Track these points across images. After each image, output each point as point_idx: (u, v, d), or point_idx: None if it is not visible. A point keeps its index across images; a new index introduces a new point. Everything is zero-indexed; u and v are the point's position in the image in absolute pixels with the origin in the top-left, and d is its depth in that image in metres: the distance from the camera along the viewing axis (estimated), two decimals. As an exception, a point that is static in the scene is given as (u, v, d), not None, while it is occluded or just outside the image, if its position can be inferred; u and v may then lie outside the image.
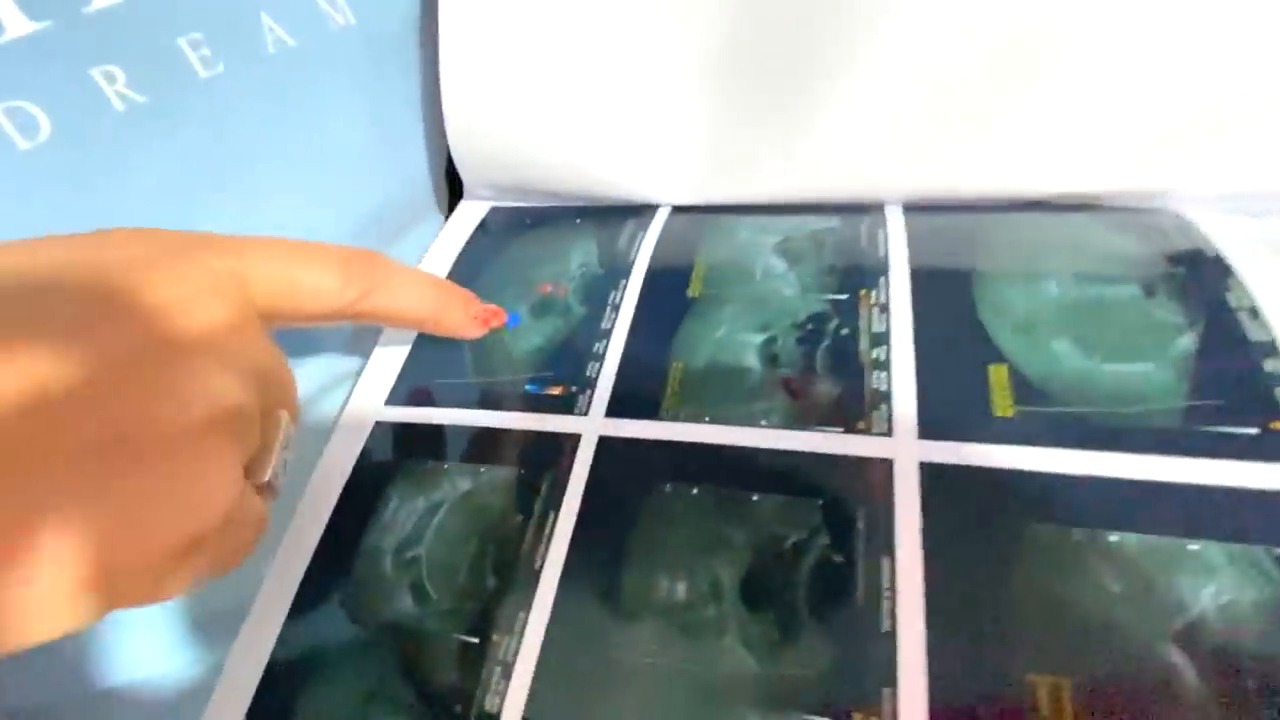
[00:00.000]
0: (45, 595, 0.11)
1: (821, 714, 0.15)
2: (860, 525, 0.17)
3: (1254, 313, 0.18)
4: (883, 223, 0.24)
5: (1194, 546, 0.15)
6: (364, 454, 0.22)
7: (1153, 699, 0.14)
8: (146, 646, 0.25)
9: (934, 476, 0.17)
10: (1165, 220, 0.22)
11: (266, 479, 0.16)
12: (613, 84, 0.25)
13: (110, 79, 0.19)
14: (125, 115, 0.19)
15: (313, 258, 0.18)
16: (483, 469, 0.21)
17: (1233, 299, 0.19)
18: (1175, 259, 0.20)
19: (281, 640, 0.19)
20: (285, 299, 0.17)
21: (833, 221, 0.25)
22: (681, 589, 0.17)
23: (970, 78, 0.22)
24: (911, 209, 0.25)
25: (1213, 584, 0.14)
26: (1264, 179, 0.21)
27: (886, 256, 0.22)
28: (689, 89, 0.25)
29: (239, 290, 0.16)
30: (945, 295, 0.21)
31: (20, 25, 0.19)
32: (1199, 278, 0.19)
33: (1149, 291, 0.19)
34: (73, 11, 0.19)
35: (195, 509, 0.13)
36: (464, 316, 0.23)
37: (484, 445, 0.21)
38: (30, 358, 0.12)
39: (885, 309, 0.21)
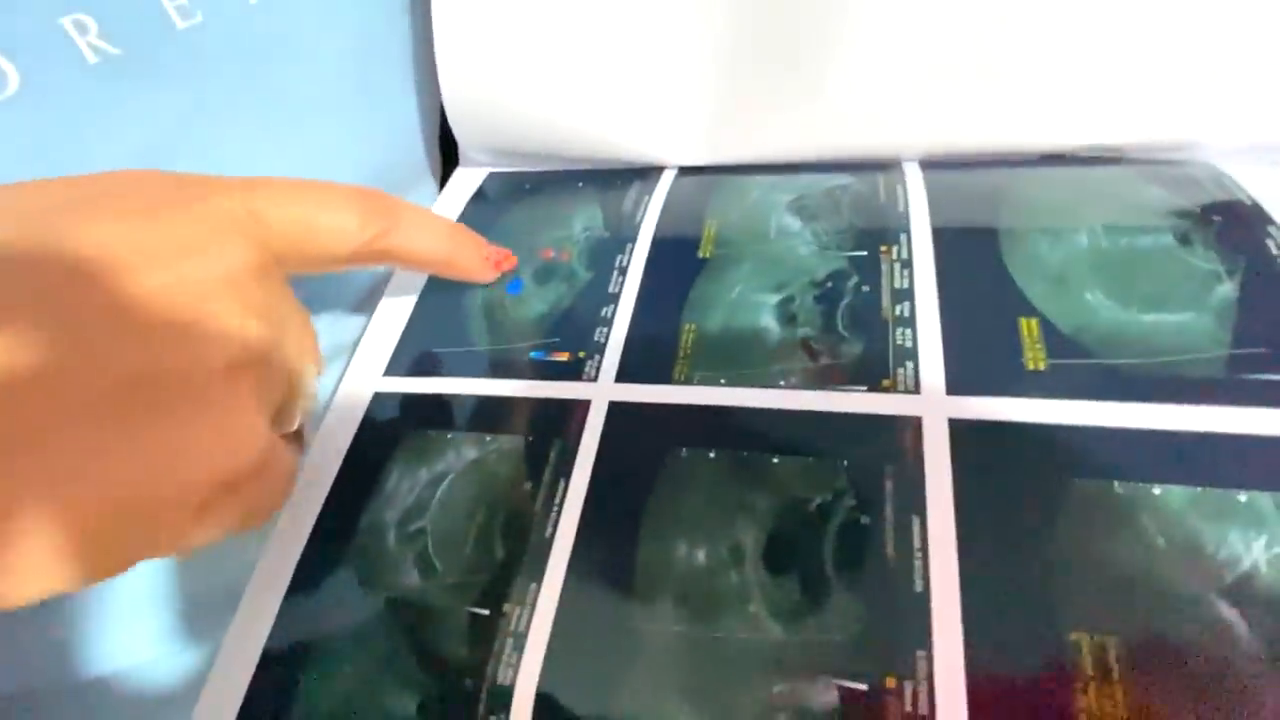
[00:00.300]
0: (62, 542, 0.11)
1: (852, 679, 0.14)
2: (888, 485, 0.16)
3: (1295, 257, 0.17)
4: (901, 179, 0.23)
5: (1242, 497, 0.14)
6: (363, 426, 0.21)
7: (1204, 656, 0.13)
8: (140, 632, 0.24)
9: (964, 433, 0.16)
10: (1197, 170, 0.21)
11: (295, 428, 0.15)
12: (614, 40, 0.24)
13: (82, 29, 0.18)
14: (98, 68, 0.18)
15: (329, 196, 0.17)
16: (488, 438, 0.20)
17: (1273, 245, 0.18)
18: (1210, 208, 0.19)
19: (280, 620, 0.18)
20: (304, 239, 0.16)
21: (848, 179, 0.24)
22: (701, 555, 0.16)
23: (986, 28, 0.21)
24: (930, 165, 0.24)
25: (1264, 535, 0.14)
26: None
27: (907, 212, 0.21)
28: (694, 44, 0.24)
29: (258, 231, 0.15)
30: (970, 249, 0.20)
31: (-15, -28, 0.18)
32: (1237, 225, 0.18)
33: (1184, 240, 0.18)
34: (42, -45, 0.18)
35: (218, 453, 0.12)
36: (478, 258, 0.22)
37: (489, 414, 0.20)
38: (39, 302, 0.11)
39: (908, 265, 0.20)
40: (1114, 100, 0.21)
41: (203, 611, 0.24)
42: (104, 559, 0.12)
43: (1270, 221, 0.18)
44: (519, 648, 0.16)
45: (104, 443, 0.11)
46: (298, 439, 0.16)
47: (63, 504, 0.11)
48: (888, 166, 0.24)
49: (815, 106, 0.24)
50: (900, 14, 0.22)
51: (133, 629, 0.24)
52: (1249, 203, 0.19)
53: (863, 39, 0.22)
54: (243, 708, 0.17)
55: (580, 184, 0.27)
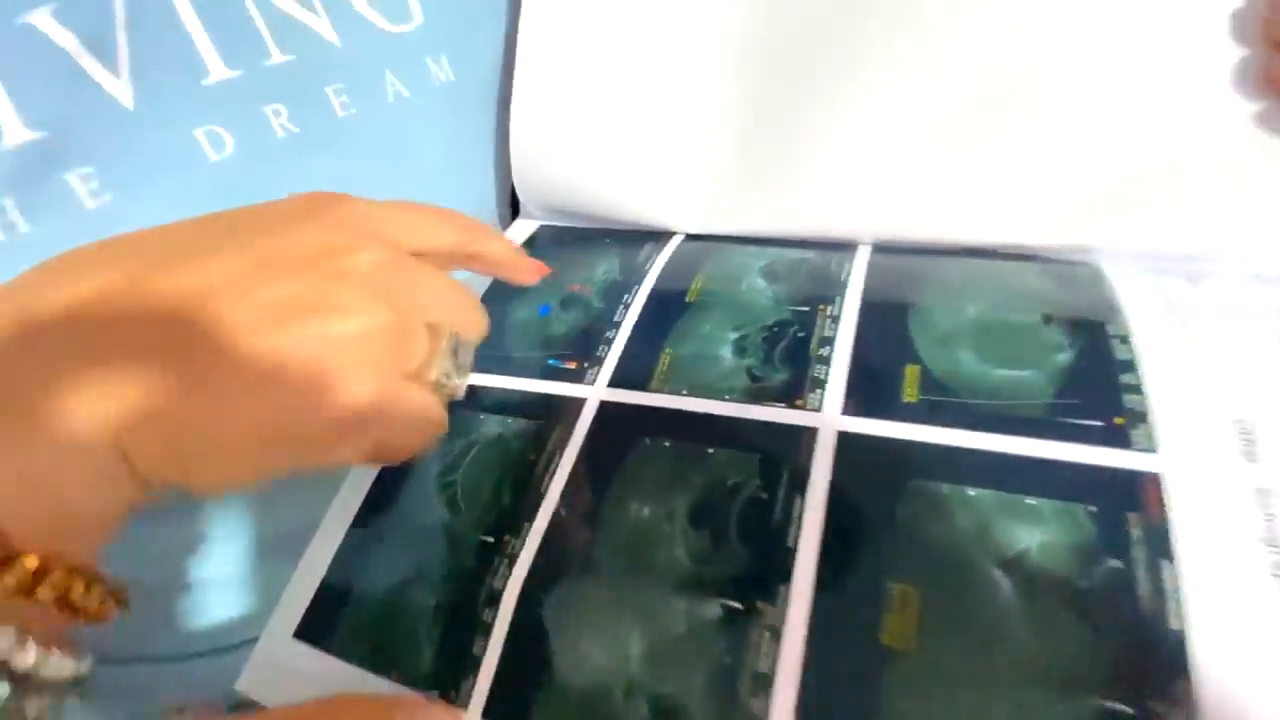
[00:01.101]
0: (250, 449, 0.17)
1: (734, 599, 0.20)
2: (785, 474, 0.22)
3: (1124, 339, 0.23)
4: (850, 257, 0.29)
5: (1032, 502, 0.19)
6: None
7: (978, 604, 0.18)
8: (242, 547, 0.32)
9: (846, 442, 0.22)
10: (1081, 271, 0.26)
11: (432, 379, 0.20)
12: (643, 138, 0.32)
13: (277, 114, 0.27)
14: (285, 141, 0.27)
15: (434, 211, 0.23)
16: (509, 420, 0.27)
17: (1111, 329, 0.23)
18: (1076, 300, 0.25)
19: (344, 543, 0.25)
20: (417, 242, 0.21)
21: (810, 254, 0.30)
22: (647, 511, 0.23)
23: (925, 147, 0.28)
24: (878, 249, 0.30)
25: (1040, 529, 0.19)
26: (1169, 243, 0.26)
27: (846, 281, 0.28)
28: (703, 145, 0.32)
29: (391, 233, 0.20)
30: (885, 313, 0.26)
31: (221, 72, 0.27)
32: (1089, 314, 0.24)
33: (1045, 321, 0.24)
34: (257, 64, 0.27)
35: (341, 397, 0.18)
36: (527, 265, 0.27)
37: (511, 402, 0.27)
38: (226, 270, 0.18)
39: (836, 320, 0.26)
40: (1028, 210, 0.27)
41: (290, 540, 0.32)
42: (272, 464, 0.18)
43: (1117, 312, 0.24)
44: (510, 565, 0.23)
45: (268, 384, 0.17)
46: (441, 387, 0.20)
47: (248, 422, 0.17)
48: (844, 247, 0.30)
49: (792, 196, 0.31)
50: (856, 138, 0.29)
51: (236, 543, 0.31)
52: (1107, 297, 0.24)
53: (828, 154, 0.29)
54: (307, 611, 0.24)
55: (607, 240, 0.34)
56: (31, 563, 0.15)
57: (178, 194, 0.24)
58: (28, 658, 0.15)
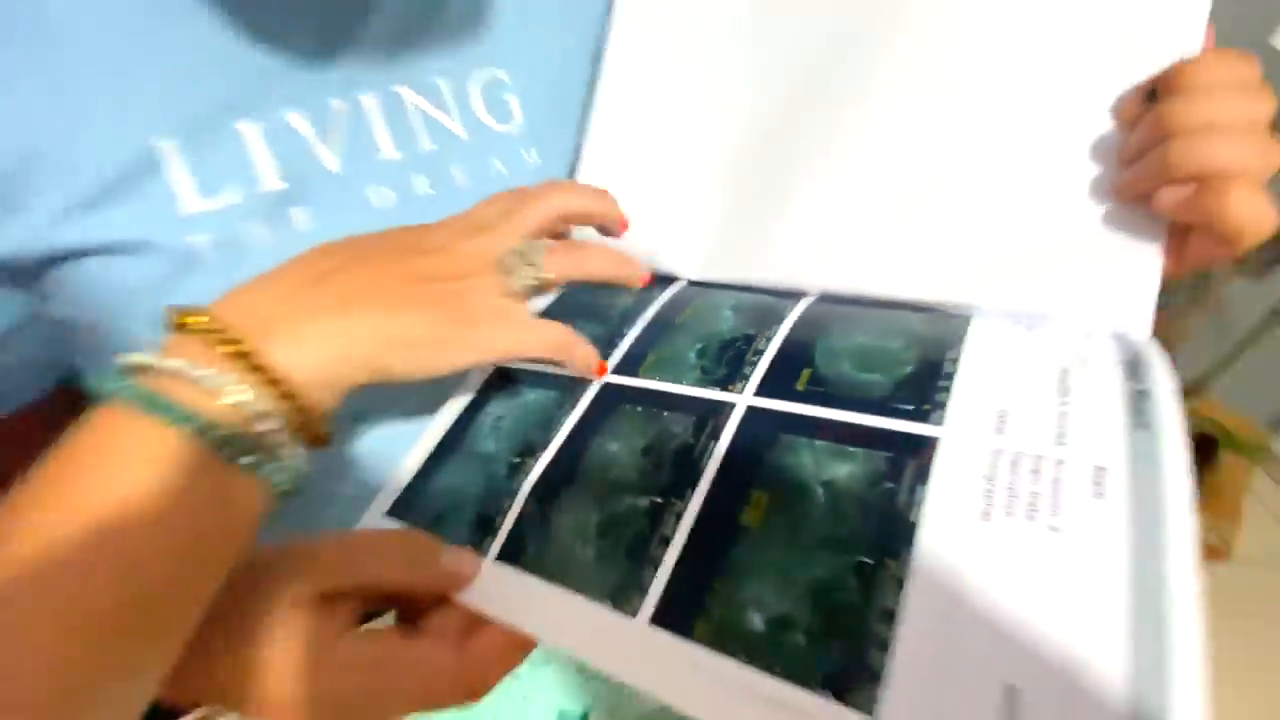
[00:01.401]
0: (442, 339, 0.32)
1: (650, 497, 0.31)
2: (709, 427, 0.33)
3: (954, 361, 0.33)
4: (796, 301, 0.41)
5: (852, 449, 0.30)
6: (492, 373, 0.42)
7: (802, 505, 0.29)
8: (372, 429, 0.45)
9: (751, 412, 0.33)
10: (955, 319, 0.37)
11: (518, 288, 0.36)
12: (664, 212, 0.46)
13: (421, 182, 0.43)
14: (425, 198, 0.43)
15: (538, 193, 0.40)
16: (536, 389, 0.40)
17: (949, 355, 0.33)
18: (938, 335, 0.35)
19: (435, 450, 0.39)
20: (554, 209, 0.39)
21: (769, 298, 0.42)
22: (614, 447, 0.35)
23: (856, 228, 0.40)
24: (821, 298, 0.41)
25: (851, 464, 0.29)
26: (1021, 304, 0.36)
27: (784, 317, 0.39)
28: (704, 218, 0.45)
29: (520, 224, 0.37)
30: (802, 338, 0.37)
31: (390, 152, 0.43)
32: (940, 344, 0.34)
33: (904, 349, 0.35)
34: (413, 148, 0.43)
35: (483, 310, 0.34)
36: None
37: (539, 377, 0.40)
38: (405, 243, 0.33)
39: (769, 340, 0.38)
40: (928, 274, 0.38)
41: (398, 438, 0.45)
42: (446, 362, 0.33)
43: (957, 346, 0.34)
44: (516, 489, 0.35)
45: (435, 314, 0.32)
46: (523, 292, 0.36)
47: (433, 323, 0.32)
48: (795, 295, 0.42)
49: (761, 259, 0.43)
50: (807, 215, 0.41)
51: (371, 424, 0.45)
52: (957, 337, 0.35)
53: (786, 229, 0.42)
54: (405, 489, 0.37)
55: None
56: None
57: (355, 228, 0.39)
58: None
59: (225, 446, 0.25)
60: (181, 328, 0.27)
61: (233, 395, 0.25)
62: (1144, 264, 0.33)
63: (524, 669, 0.43)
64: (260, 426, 0.26)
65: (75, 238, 0.33)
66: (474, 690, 0.29)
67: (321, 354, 0.28)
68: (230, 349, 0.26)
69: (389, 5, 0.41)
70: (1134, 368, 0.30)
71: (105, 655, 0.21)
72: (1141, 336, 0.32)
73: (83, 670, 0.21)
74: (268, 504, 0.27)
